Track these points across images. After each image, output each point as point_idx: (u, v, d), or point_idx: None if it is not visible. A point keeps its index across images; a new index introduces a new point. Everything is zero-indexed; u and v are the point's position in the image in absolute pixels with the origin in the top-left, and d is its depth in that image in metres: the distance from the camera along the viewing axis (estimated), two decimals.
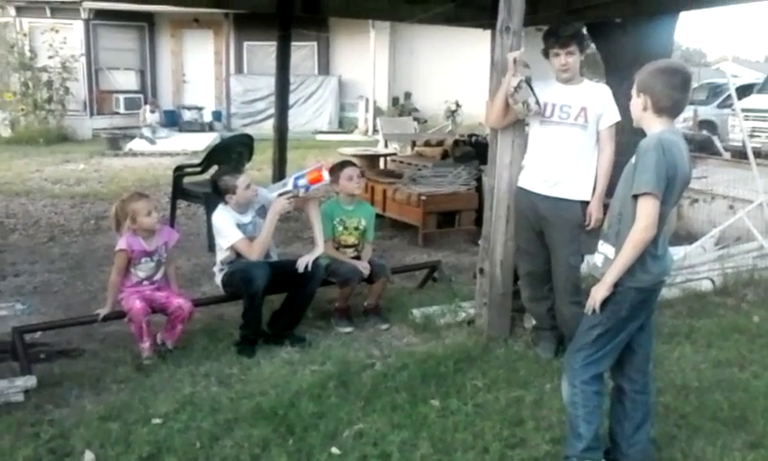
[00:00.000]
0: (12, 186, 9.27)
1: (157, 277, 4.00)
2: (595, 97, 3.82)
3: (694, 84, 19.52)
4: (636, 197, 2.52)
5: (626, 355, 2.79)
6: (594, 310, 2.66)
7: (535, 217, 3.91)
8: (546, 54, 3.86)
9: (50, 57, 14.94)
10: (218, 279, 4.21)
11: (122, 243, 3.87)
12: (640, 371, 2.82)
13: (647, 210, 2.49)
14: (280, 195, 4.13)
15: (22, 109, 14.60)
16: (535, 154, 3.96)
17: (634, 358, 2.80)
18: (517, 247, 4.11)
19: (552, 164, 3.85)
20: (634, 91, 2.66)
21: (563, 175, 3.82)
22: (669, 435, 3.15)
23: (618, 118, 3.80)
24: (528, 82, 3.76)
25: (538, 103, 3.77)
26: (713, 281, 5.23)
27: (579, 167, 3.81)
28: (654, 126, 2.60)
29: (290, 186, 4.14)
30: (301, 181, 4.13)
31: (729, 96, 12.22)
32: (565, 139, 3.82)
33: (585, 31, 5.97)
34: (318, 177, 4.13)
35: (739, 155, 9.73)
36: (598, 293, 2.63)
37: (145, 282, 3.94)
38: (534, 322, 4.25)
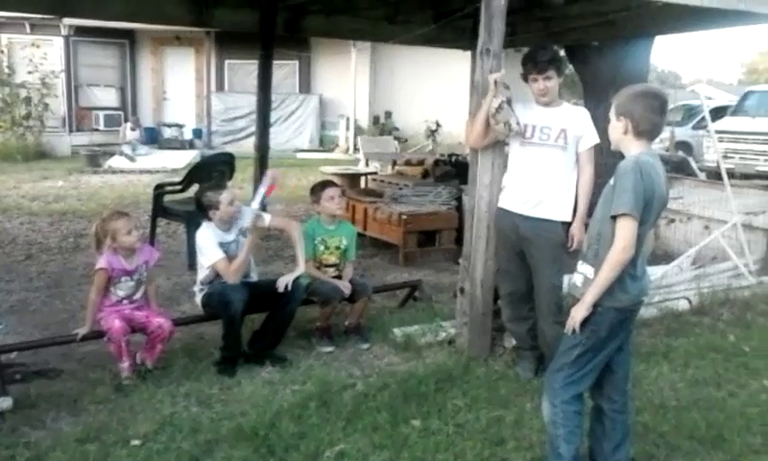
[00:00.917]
0: None
1: (137, 296, 3.97)
2: (575, 119, 3.88)
3: (670, 106, 19.88)
4: (614, 218, 2.56)
5: (605, 375, 2.82)
6: (574, 330, 2.69)
7: (516, 237, 3.94)
8: (525, 78, 3.92)
9: (29, 72, 14.84)
10: (198, 298, 4.19)
11: (102, 262, 3.84)
12: (619, 390, 2.86)
13: (625, 231, 2.53)
14: (254, 220, 4.10)
15: (0, 126, 14.46)
16: (515, 174, 4.00)
17: (612, 378, 2.83)
18: (498, 267, 4.14)
19: (533, 185, 3.89)
20: (612, 115, 2.72)
21: (543, 195, 3.86)
22: (648, 454, 3.18)
23: (597, 140, 3.87)
24: (509, 103, 3.82)
25: (518, 123, 3.83)
26: (690, 301, 5.30)
27: (559, 188, 3.86)
28: (632, 148, 2.65)
29: (258, 210, 4.13)
30: (265, 200, 4.22)
31: (703, 118, 12.44)
32: (546, 160, 3.87)
33: (563, 53, 6.08)
34: (272, 188, 4.24)
35: (714, 176, 9.89)
36: (578, 313, 2.66)
37: (125, 301, 3.91)
38: (514, 342, 4.28)
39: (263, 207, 4.19)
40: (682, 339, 4.67)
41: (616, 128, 2.69)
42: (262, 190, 4.13)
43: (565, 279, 3.65)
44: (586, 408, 2.88)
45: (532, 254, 3.90)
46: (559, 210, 3.86)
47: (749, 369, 4.21)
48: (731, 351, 4.49)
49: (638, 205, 2.52)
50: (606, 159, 4.03)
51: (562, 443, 2.73)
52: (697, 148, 15.19)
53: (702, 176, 10.37)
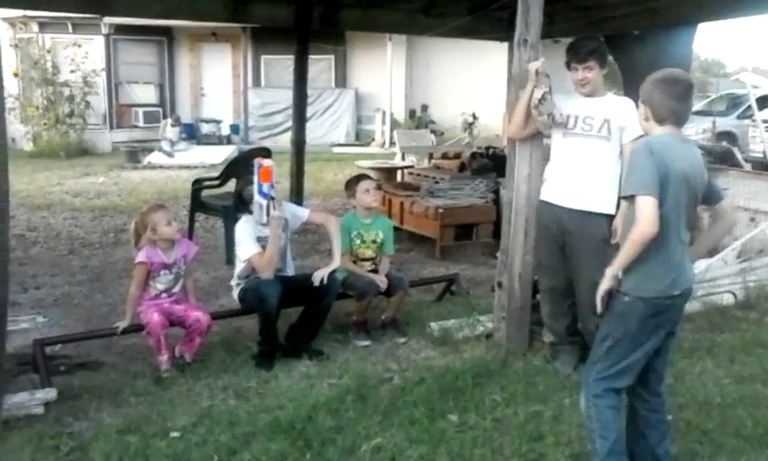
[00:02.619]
0: (34, 200, 9.38)
1: (176, 289, 4.02)
2: (618, 110, 3.79)
3: (712, 95, 19.44)
4: (629, 199, 2.57)
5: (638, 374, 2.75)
6: (602, 313, 2.68)
7: (558, 231, 3.88)
8: (568, 66, 3.86)
9: (72, 71, 15.17)
10: (235, 293, 4.22)
11: (141, 256, 3.89)
12: (652, 392, 2.79)
13: (641, 209, 2.47)
14: (268, 216, 3.97)
15: (44, 124, 14.81)
16: (558, 166, 3.93)
17: (645, 378, 2.76)
18: (538, 262, 4.08)
19: (576, 176, 3.82)
20: (641, 97, 2.72)
21: (586, 187, 3.79)
22: (691, 452, 3.10)
23: (642, 132, 3.77)
24: (550, 93, 3.75)
25: (561, 114, 3.76)
26: (735, 295, 5.16)
27: (603, 180, 3.78)
28: (654, 131, 2.65)
29: (264, 201, 3.97)
30: (264, 188, 3.97)
31: (749, 107, 12.10)
32: (589, 151, 3.79)
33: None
34: (265, 170, 3.97)
35: (760, 166, 9.62)
36: (603, 284, 2.63)
37: (163, 295, 3.96)
38: (552, 337, 4.21)
39: (268, 197, 3.97)
40: (726, 334, 4.55)
41: (640, 114, 2.73)
42: (258, 183, 3.97)
43: None
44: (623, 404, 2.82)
45: (574, 247, 3.83)
46: (602, 203, 3.77)
47: None
48: None
49: (651, 182, 2.46)
50: None
51: (597, 438, 2.68)
52: (742, 138, 14.78)
53: (747, 166, 10.09)
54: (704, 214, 3.02)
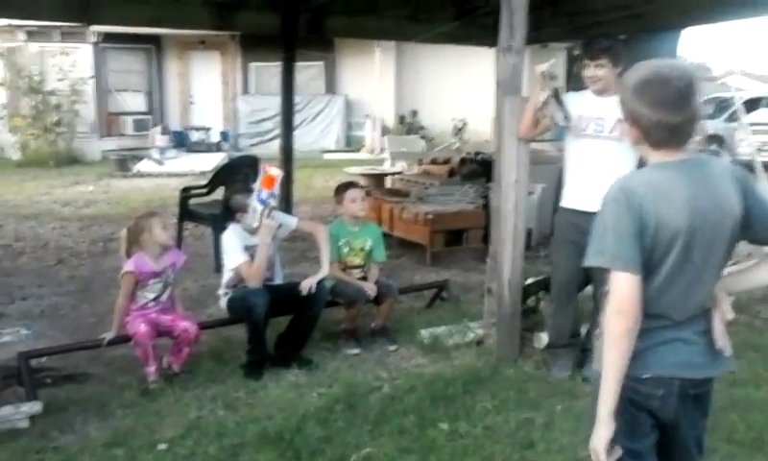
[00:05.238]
0: (22, 209, 9.31)
1: (164, 298, 3.98)
2: None
3: (701, 99, 19.50)
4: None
5: None
6: None
7: (577, 233, 3.68)
8: (581, 63, 3.87)
9: (59, 80, 15.08)
10: (222, 302, 4.19)
11: (129, 265, 3.85)
12: None
13: (614, 289, 1.78)
14: (260, 221, 3.95)
15: (32, 134, 14.71)
16: (572, 170, 3.91)
17: None
18: (553, 261, 4.07)
19: (590, 179, 3.74)
20: (622, 115, 1.92)
21: (600, 188, 3.74)
22: None
23: None
24: (556, 95, 3.74)
25: (567, 117, 3.75)
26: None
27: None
28: (651, 158, 1.88)
29: (259, 207, 3.95)
30: (263, 195, 3.95)
31: (736, 110, 12.17)
32: (601, 153, 3.75)
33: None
34: (270, 178, 3.95)
35: (748, 169, 9.66)
36: (597, 443, 1.82)
37: (151, 304, 3.92)
38: (544, 342, 4.18)
39: (266, 204, 3.95)
40: None
41: (628, 134, 1.92)
42: (259, 188, 3.96)
43: None
44: None
45: None
46: None
47: None
48: None
49: (627, 250, 1.75)
50: None
51: None
52: (729, 141, 14.86)
53: None
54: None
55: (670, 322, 1.84)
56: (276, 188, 3.99)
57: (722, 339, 1.88)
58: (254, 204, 3.96)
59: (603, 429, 1.81)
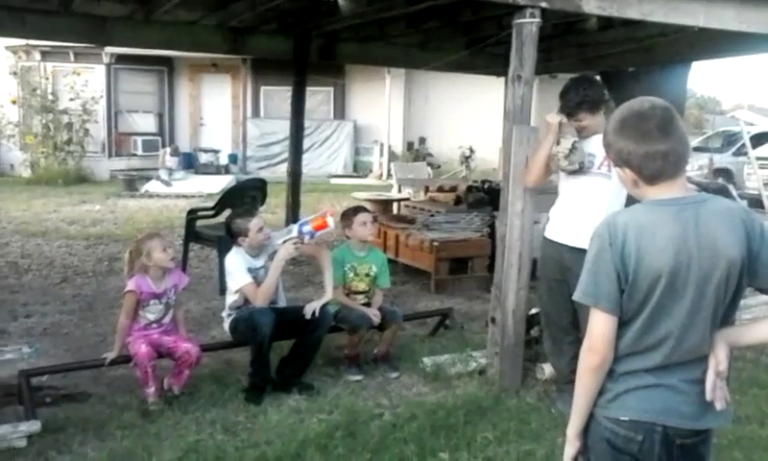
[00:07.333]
0: (29, 227, 9.35)
1: (166, 320, 3.98)
2: None
3: (709, 132, 19.60)
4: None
5: None
6: None
7: (559, 268, 3.84)
8: None
9: (71, 99, 15.23)
10: (226, 324, 4.18)
11: (131, 284, 3.86)
12: None
13: (593, 326, 1.79)
14: (285, 241, 4.10)
15: (42, 152, 14.83)
16: (561, 204, 3.93)
17: None
18: (541, 297, 4.06)
19: (576, 214, 3.78)
20: (612, 161, 1.90)
21: (587, 225, 3.74)
22: None
23: None
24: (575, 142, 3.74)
25: (590, 159, 3.75)
26: None
27: (602, 217, 3.73)
28: (648, 196, 1.82)
29: (295, 233, 4.12)
30: (306, 228, 4.11)
31: (744, 144, 12.18)
32: (589, 188, 3.77)
33: (598, 79, 5.97)
34: (323, 224, 4.10)
35: (756, 204, 9.64)
36: (567, 451, 1.91)
37: (153, 325, 3.92)
38: (547, 373, 4.16)
39: (300, 234, 4.12)
40: None
41: (626, 181, 1.86)
42: (307, 221, 4.16)
43: None
44: None
45: (573, 285, 3.78)
46: None
47: None
48: None
49: (603, 289, 1.74)
50: None
51: None
52: (738, 175, 14.85)
53: (743, 204, 10.11)
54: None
55: (654, 365, 1.78)
56: (318, 234, 4.16)
57: (713, 391, 1.77)
58: (294, 227, 4.14)
59: (568, 447, 1.90)
